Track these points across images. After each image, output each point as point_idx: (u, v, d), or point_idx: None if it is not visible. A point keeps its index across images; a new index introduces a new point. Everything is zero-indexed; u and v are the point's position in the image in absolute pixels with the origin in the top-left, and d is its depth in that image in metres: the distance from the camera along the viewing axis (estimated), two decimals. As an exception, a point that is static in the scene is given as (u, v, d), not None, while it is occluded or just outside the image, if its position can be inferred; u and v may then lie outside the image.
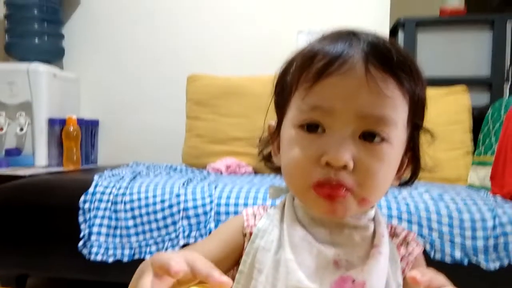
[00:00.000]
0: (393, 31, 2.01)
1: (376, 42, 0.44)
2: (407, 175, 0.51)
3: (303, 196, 0.46)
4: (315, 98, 0.43)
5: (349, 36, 0.44)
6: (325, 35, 0.47)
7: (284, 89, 0.48)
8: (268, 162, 0.54)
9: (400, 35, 1.94)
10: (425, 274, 0.37)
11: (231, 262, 0.50)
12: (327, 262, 0.44)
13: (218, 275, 0.35)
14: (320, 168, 0.42)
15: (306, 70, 0.44)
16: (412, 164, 0.50)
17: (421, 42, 1.93)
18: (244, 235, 0.50)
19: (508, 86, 1.88)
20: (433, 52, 1.92)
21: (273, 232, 0.47)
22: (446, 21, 1.98)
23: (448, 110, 1.65)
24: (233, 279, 0.47)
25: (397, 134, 0.44)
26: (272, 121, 0.52)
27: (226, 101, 1.81)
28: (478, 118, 1.65)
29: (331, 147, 0.42)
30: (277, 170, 0.51)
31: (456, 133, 1.64)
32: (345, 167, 0.42)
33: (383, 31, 1.91)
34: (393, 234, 0.51)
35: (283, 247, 0.45)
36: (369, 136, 0.43)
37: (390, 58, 0.42)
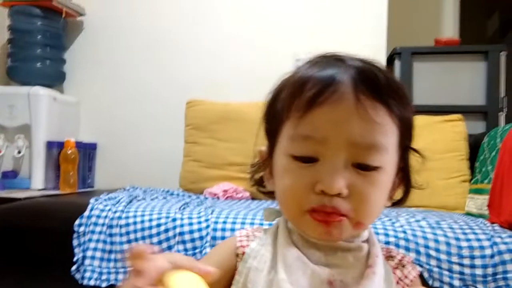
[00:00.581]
0: (390, 60, 2.05)
1: (363, 67, 0.44)
2: (398, 195, 0.51)
3: (298, 221, 0.46)
4: (307, 128, 0.43)
5: (336, 62, 0.45)
6: (312, 61, 0.47)
7: (274, 117, 0.49)
8: (260, 187, 0.54)
9: (397, 64, 1.97)
10: None
11: (224, 283, 0.49)
12: (321, 282, 0.44)
13: (203, 266, 0.35)
14: (314, 195, 0.43)
15: (297, 99, 0.44)
16: (403, 183, 0.50)
17: (417, 71, 1.96)
18: (237, 255, 0.50)
19: (503, 115, 1.91)
20: (429, 81, 1.95)
21: (266, 253, 0.48)
22: (442, 51, 2.02)
23: (444, 138, 1.66)
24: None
25: (389, 159, 0.45)
26: (263, 146, 0.52)
27: (225, 126, 1.83)
28: (474, 146, 1.66)
29: (326, 176, 0.42)
30: (269, 194, 0.51)
31: (453, 161, 1.65)
32: (339, 194, 0.42)
33: (380, 59, 1.93)
34: (388, 256, 0.51)
35: (276, 267, 0.45)
36: (362, 166, 0.43)
37: (378, 84, 0.43)
